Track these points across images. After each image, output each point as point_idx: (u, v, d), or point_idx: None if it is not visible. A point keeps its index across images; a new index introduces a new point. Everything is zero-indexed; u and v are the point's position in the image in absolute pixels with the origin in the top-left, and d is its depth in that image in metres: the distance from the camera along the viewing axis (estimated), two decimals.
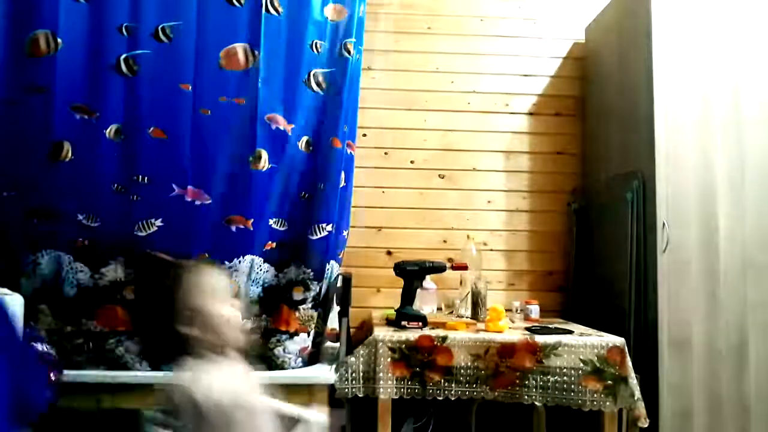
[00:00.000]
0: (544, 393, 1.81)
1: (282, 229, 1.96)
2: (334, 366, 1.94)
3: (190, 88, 1.86)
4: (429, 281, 2.30)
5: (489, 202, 2.59)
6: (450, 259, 2.37)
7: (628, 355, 1.83)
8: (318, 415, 1.18)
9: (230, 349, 1.10)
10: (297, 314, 1.95)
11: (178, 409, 1.00)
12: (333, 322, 2.13)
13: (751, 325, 1.93)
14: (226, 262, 1.87)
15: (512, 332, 1.91)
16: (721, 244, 1.95)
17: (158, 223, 1.84)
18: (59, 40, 1.78)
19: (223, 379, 1.05)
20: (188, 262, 1.22)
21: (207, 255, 1.86)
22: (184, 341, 1.06)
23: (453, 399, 1.83)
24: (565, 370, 1.81)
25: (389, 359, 1.84)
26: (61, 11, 1.78)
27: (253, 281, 1.92)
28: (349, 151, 2.07)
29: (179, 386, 1.02)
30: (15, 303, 1.56)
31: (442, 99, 2.60)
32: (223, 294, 1.13)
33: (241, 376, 1.11)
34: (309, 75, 1.98)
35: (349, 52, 2.01)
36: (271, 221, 1.94)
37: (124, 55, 1.83)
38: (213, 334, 1.08)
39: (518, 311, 2.28)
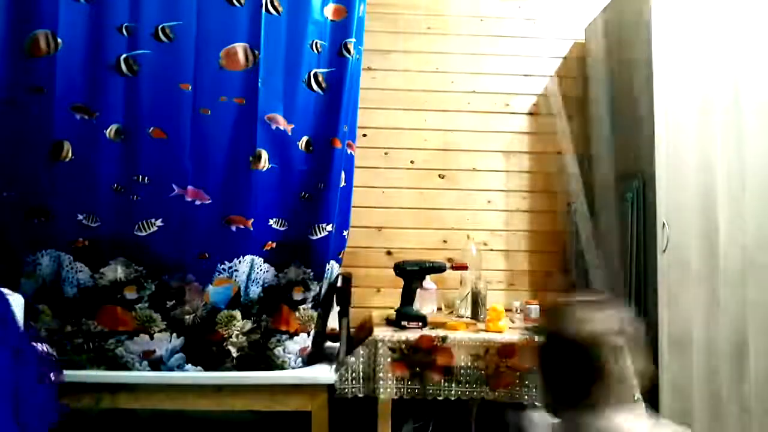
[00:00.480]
0: None
1: (282, 229, 1.96)
2: (334, 366, 1.94)
3: (190, 88, 1.86)
4: (429, 281, 2.30)
5: (489, 202, 2.59)
6: (450, 259, 2.37)
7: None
8: None
9: (629, 398, 1.08)
10: (297, 314, 1.95)
11: None
12: (333, 322, 2.13)
13: (751, 325, 1.93)
14: (226, 262, 1.88)
15: (512, 332, 1.91)
16: (721, 244, 1.95)
17: (158, 223, 1.85)
18: (59, 40, 1.78)
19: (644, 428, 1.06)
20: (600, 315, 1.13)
21: (207, 255, 1.86)
22: (596, 393, 1.04)
23: (453, 399, 1.83)
24: None
25: (389, 359, 1.84)
26: (60, 11, 1.78)
27: (253, 281, 1.92)
28: (349, 151, 2.07)
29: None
30: (15, 303, 1.56)
31: (442, 99, 2.59)
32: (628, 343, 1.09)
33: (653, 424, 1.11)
34: (309, 75, 1.98)
35: (349, 52, 2.01)
36: (271, 221, 1.94)
37: (124, 55, 1.83)
38: (620, 385, 1.06)
39: (518, 311, 2.28)
